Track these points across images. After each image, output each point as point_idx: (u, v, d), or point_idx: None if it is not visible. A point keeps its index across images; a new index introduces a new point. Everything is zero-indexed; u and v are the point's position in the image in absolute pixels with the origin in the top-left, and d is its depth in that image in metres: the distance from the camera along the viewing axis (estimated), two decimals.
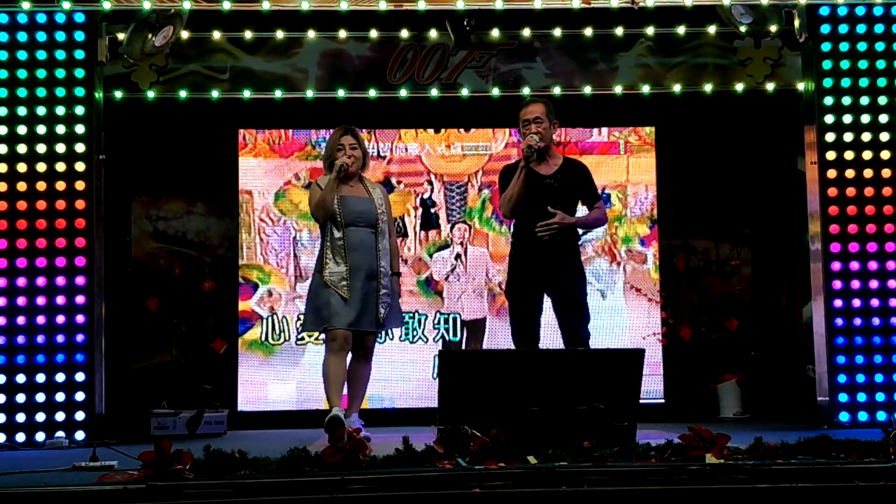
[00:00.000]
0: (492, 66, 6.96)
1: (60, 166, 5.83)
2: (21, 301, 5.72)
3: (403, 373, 7.10)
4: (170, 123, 7.12)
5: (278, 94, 6.81)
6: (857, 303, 5.93)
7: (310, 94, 6.84)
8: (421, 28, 6.80)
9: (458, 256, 7.29)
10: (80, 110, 5.89)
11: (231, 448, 3.59)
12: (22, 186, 5.79)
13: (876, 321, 5.92)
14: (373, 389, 6.99)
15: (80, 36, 5.93)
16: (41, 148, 5.84)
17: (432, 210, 7.28)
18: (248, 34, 6.72)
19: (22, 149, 5.83)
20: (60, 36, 5.91)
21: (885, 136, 6.02)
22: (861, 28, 6.06)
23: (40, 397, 5.68)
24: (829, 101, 6.06)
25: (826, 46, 6.09)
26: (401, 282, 5.82)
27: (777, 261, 7.35)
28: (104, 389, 5.94)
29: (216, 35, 6.70)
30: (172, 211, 7.33)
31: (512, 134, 7.20)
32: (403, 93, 6.85)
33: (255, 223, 7.18)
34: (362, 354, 5.50)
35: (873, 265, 5.95)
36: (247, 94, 6.80)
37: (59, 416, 5.68)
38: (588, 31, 6.80)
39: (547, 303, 5.51)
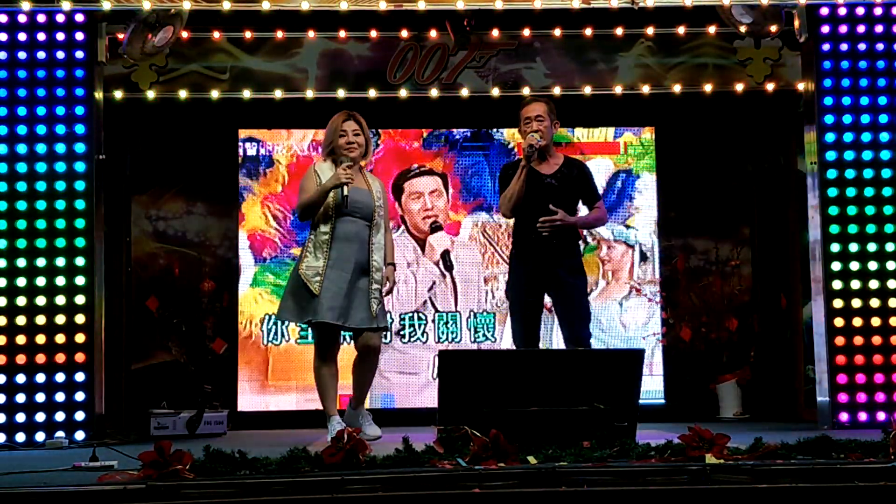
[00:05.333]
0: (492, 66, 6.97)
1: (60, 166, 5.82)
2: (21, 301, 5.72)
3: (403, 373, 7.10)
4: (170, 123, 7.13)
5: (278, 94, 6.82)
6: (856, 303, 5.92)
7: (310, 94, 6.84)
8: (421, 28, 6.80)
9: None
10: (80, 110, 5.88)
11: (231, 448, 3.59)
12: (22, 186, 5.79)
13: (876, 321, 5.91)
14: (373, 389, 7.03)
15: (80, 36, 5.92)
16: (41, 148, 5.83)
17: None
18: (248, 34, 6.72)
19: (22, 149, 5.82)
20: (60, 36, 5.89)
21: (885, 136, 6.01)
22: (861, 28, 6.06)
23: (40, 397, 5.66)
24: (829, 101, 6.06)
25: (826, 46, 6.08)
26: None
27: (777, 261, 7.35)
28: (104, 389, 5.93)
29: (216, 35, 6.71)
30: (172, 211, 7.33)
31: None
32: (403, 93, 6.85)
33: None
34: (367, 352, 5.30)
35: (873, 265, 5.94)
36: (247, 94, 6.80)
37: (59, 416, 5.67)
38: (588, 31, 6.80)
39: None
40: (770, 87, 6.91)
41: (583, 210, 5.64)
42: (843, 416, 5.84)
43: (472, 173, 7.33)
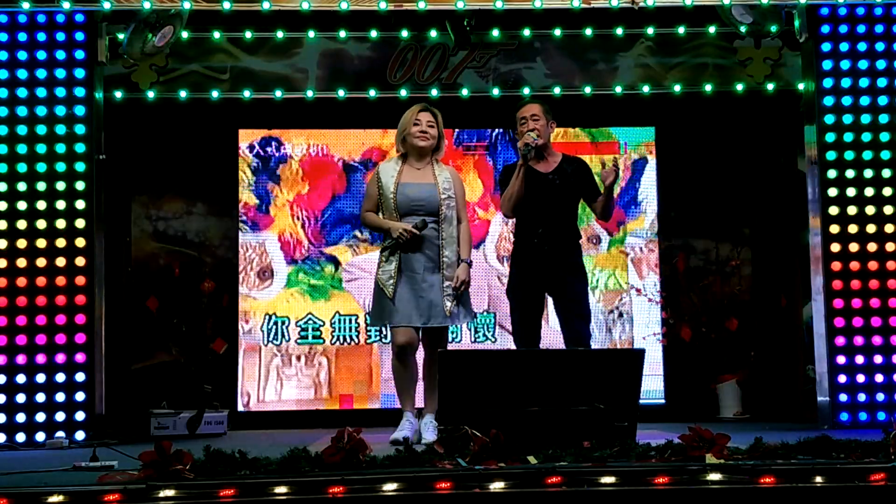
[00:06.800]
0: (492, 66, 6.97)
1: (60, 166, 5.82)
2: (21, 301, 5.72)
3: None
4: (170, 123, 7.13)
5: (278, 94, 6.82)
6: (857, 303, 5.92)
7: (310, 94, 6.84)
8: (421, 28, 6.80)
9: None
10: (80, 110, 5.89)
11: (231, 448, 3.59)
12: (22, 186, 5.79)
13: (876, 321, 5.91)
14: (373, 389, 7.05)
15: (80, 36, 5.92)
16: (41, 148, 5.83)
17: None
18: (248, 34, 6.73)
19: (22, 149, 5.82)
20: (60, 36, 5.90)
21: (885, 136, 6.02)
22: (861, 28, 6.06)
23: (40, 397, 5.67)
24: (829, 101, 6.06)
25: (826, 46, 6.08)
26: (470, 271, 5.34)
27: (777, 261, 7.34)
28: (104, 389, 5.93)
29: (216, 35, 6.71)
30: (172, 211, 7.33)
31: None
32: (403, 93, 6.84)
33: None
34: (433, 353, 5.24)
35: (873, 265, 5.94)
36: (247, 94, 6.81)
37: (59, 416, 5.67)
38: (588, 31, 6.80)
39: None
40: (770, 87, 6.91)
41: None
42: (843, 416, 5.85)
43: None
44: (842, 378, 5.88)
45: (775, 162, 7.33)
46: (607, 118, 7.32)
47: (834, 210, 5.99)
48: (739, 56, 6.96)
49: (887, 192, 5.99)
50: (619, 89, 6.93)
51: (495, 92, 6.90)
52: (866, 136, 6.02)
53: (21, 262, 5.74)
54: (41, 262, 5.75)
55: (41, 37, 5.89)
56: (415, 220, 5.18)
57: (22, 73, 5.87)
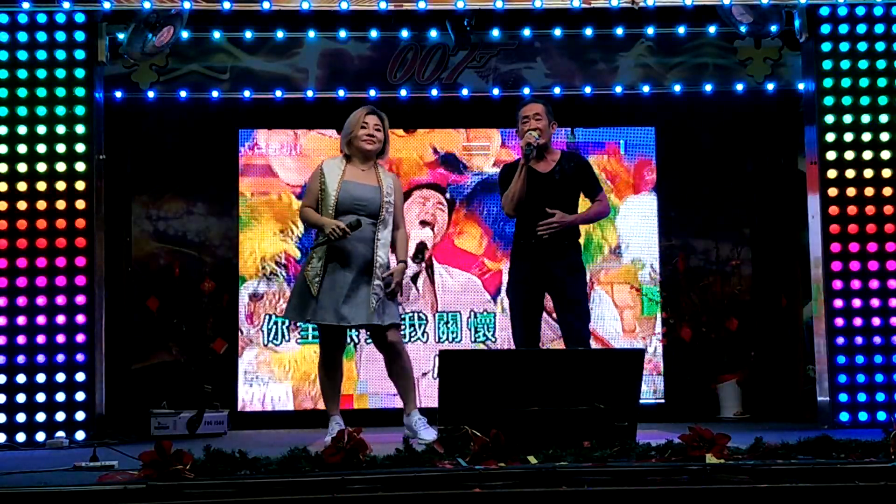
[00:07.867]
0: (492, 66, 6.97)
1: (60, 166, 5.82)
2: (21, 301, 5.72)
3: None
4: (170, 123, 7.13)
5: (278, 94, 6.82)
6: (857, 303, 5.92)
7: (310, 94, 6.84)
8: (421, 28, 6.80)
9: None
10: (80, 110, 5.89)
11: (231, 448, 3.59)
12: (22, 186, 5.79)
13: (876, 321, 5.91)
14: (373, 389, 7.05)
15: (80, 36, 5.93)
16: (41, 148, 5.83)
17: None
18: (248, 34, 6.73)
19: (22, 149, 5.82)
20: (61, 36, 5.90)
21: (885, 136, 6.02)
22: (861, 28, 6.06)
23: (40, 397, 5.67)
24: (829, 101, 6.06)
25: (826, 46, 6.08)
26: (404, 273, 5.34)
27: (777, 261, 7.35)
28: (104, 389, 5.94)
29: (216, 35, 6.71)
30: (172, 211, 7.33)
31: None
32: (403, 93, 6.85)
33: None
34: (388, 351, 5.21)
35: (873, 265, 5.94)
36: (247, 94, 6.81)
37: (60, 416, 5.68)
38: (588, 31, 6.80)
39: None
40: (770, 87, 6.91)
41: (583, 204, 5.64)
42: (843, 416, 5.85)
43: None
44: (842, 378, 5.88)
45: (775, 162, 7.34)
46: (607, 118, 7.32)
47: (834, 210, 5.99)
48: (739, 56, 6.96)
49: (887, 192, 5.99)
50: (619, 89, 6.93)
51: (495, 92, 6.90)
52: (866, 136, 6.02)
53: (21, 262, 5.74)
54: (41, 261, 5.75)
55: (41, 37, 5.89)
56: (350, 218, 5.09)
57: (22, 73, 5.87)
